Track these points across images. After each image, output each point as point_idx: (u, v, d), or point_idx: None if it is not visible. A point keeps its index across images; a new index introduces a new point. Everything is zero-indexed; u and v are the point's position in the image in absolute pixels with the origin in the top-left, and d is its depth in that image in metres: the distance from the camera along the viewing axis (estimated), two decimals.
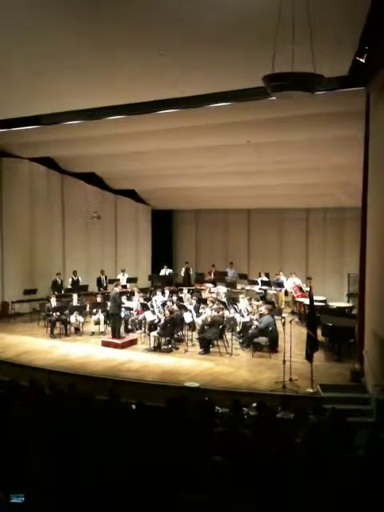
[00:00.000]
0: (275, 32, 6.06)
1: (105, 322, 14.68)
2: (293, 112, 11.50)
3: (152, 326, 13.47)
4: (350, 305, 15.51)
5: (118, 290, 14.02)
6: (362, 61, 8.99)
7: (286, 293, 17.43)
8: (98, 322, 14.70)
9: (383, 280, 8.78)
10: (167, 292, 15.88)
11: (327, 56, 7.21)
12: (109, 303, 14.00)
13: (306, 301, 13.80)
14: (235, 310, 13.95)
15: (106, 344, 13.26)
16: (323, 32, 6.86)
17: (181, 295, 15.63)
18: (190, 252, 22.63)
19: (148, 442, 4.99)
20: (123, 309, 14.29)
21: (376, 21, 7.46)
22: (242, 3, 6.83)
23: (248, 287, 18.14)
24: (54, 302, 14.83)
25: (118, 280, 17.34)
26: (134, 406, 6.97)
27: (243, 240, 21.64)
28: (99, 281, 18.59)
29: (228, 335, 12.83)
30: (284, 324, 10.59)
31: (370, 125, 10.00)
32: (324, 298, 15.73)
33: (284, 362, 9.93)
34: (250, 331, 12.74)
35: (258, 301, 14.78)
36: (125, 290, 17.02)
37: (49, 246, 18.46)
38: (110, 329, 14.00)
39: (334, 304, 15.35)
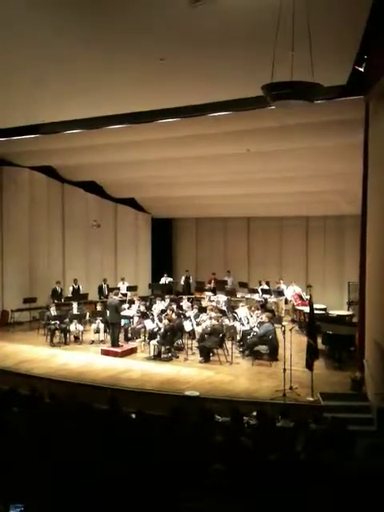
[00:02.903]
0: (274, 41, 6.10)
1: (104, 331, 14.65)
2: (292, 121, 11.54)
3: (152, 335, 13.44)
4: (350, 313, 15.45)
5: (117, 298, 13.99)
6: (361, 70, 9.05)
7: (286, 301, 17.41)
8: (97, 331, 14.67)
9: (383, 288, 8.78)
10: (167, 300, 15.86)
11: (326, 65, 7.24)
12: (108, 312, 14.00)
13: (306, 309, 13.77)
14: (235, 318, 13.92)
15: (105, 353, 13.22)
16: (322, 41, 6.91)
17: (181, 304, 15.60)
18: (189, 260, 22.61)
19: (148, 450, 4.96)
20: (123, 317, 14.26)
21: (375, 30, 7.51)
22: (242, 11, 6.87)
23: (248, 295, 18.11)
24: (53, 311, 14.80)
25: (118, 288, 17.34)
26: (133, 415, 6.94)
27: (243, 248, 21.62)
28: (100, 289, 18.58)
29: (228, 344, 12.81)
30: (284, 332, 10.55)
31: (370, 133, 10.04)
32: (324, 306, 15.70)
33: (284, 370, 9.90)
34: (249, 338, 12.74)
35: (257, 309, 14.75)
36: (125, 297, 17.00)
37: (49, 254, 18.45)
38: (109, 337, 13.98)
39: (334, 312, 15.30)
